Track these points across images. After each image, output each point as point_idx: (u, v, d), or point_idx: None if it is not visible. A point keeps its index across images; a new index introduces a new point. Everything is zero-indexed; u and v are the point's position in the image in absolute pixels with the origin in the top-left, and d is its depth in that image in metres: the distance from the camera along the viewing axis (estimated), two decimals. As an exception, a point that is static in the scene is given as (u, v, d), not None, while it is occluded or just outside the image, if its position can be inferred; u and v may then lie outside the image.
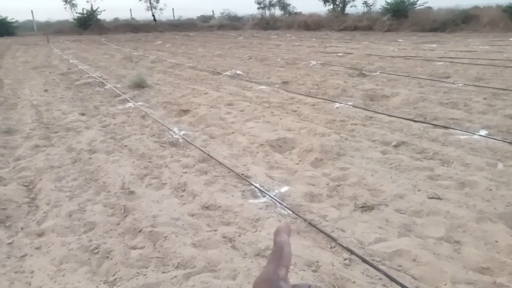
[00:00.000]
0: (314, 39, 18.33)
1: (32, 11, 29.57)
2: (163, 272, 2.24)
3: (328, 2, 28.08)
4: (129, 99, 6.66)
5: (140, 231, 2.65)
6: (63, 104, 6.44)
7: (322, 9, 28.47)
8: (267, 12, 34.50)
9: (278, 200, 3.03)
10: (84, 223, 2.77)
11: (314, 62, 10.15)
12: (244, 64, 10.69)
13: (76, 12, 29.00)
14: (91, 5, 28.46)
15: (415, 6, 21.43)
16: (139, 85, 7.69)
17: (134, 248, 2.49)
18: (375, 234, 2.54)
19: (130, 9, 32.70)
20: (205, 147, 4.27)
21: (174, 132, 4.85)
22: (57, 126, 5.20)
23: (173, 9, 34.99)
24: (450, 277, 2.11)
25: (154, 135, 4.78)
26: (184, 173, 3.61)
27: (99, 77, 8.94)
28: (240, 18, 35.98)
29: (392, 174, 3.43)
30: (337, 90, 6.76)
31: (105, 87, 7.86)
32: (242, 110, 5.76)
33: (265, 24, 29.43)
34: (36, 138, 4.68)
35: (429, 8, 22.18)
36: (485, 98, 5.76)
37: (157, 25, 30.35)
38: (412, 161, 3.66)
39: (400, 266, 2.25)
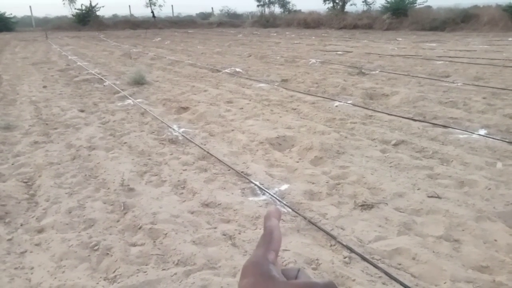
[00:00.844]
0: (313, 37, 18.31)
1: (30, 6, 29.51)
2: (163, 269, 2.24)
3: (328, 0, 28.05)
4: (128, 96, 6.65)
5: (140, 228, 2.65)
6: (62, 101, 6.42)
7: (322, 7, 28.49)
8: (267, 10, 34.52)
9: (278, 198, 3.03)
10: (84, 220, 2.77)
11: (313, 60, 10.14)
12: (244, 62, 10.67)
13: (75, 8, 28.98)
14: (90, 1, 28.40)
15: (415, 4, 21.43)
16: (138, 82, 7.67)
17: (134, 245, 2.49)
18: (374, 233, 2.54)
19: (129, 6, 32.64)
20: (205, 145, 4.27)
21: (174, 129, 4.85)
22: (56, 122, 5.19)
23: (172, 6, 34.88)
24: (449, 275, 2.12)
25: (153, 132, 4.78)
26: (183, 170, 3.60)
27: (98, 74, 8.92)
28: (240, 16, 35.97)
29: (391, 173, 3.44)
30: (337, 89, 6.76)
31: (104, 84, 7.84)
32: (242, 108, 5.75)
33: (264, 22, 29.41)
34: (35, 135, 4.67)
35: (429, 7, 22.19)
36: (484, 98, 5.77)
37: (156, 22, 30.23)
38: (411, 160, 3.67)
39: (399, 264, 2.26)
